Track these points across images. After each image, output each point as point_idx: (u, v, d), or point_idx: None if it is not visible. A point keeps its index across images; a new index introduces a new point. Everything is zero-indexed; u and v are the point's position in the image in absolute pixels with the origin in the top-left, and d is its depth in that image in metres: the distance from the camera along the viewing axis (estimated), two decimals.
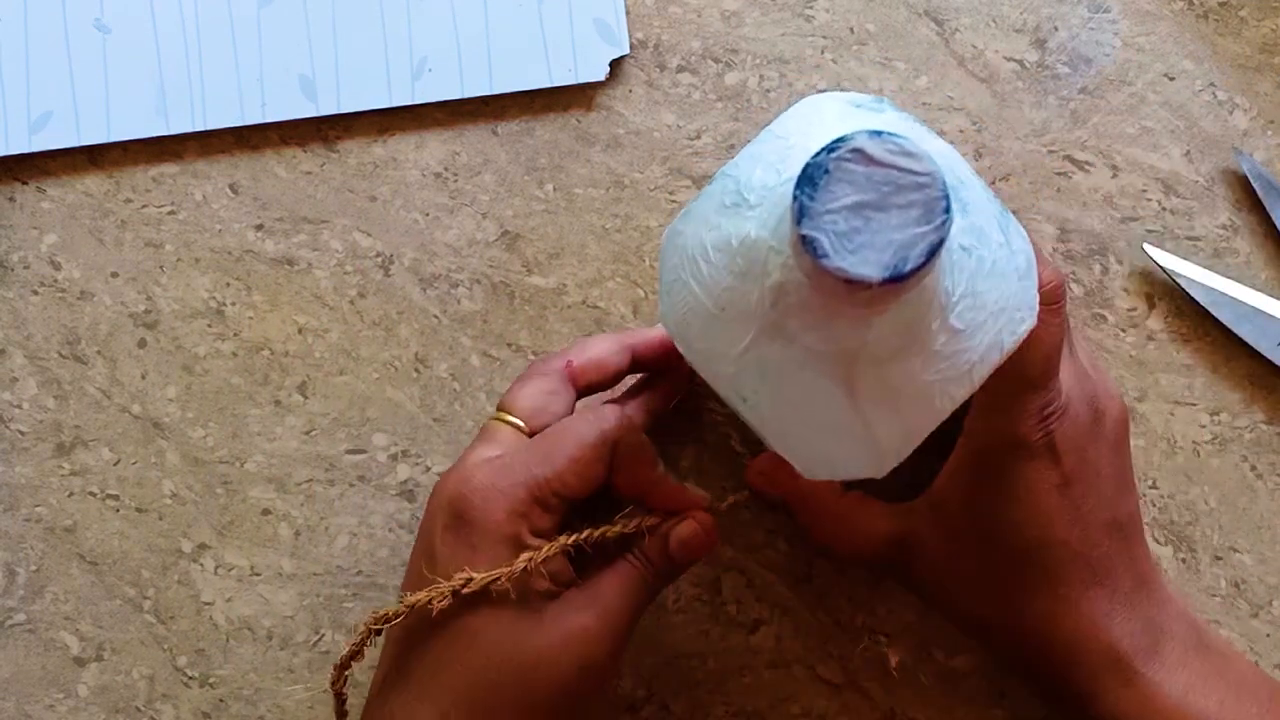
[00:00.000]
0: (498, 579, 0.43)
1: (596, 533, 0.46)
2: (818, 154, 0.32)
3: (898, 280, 0.32)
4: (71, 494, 0.53)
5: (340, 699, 0.48)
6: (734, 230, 0.37)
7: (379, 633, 0.45)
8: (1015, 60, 0.54)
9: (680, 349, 0.40)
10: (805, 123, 0.39)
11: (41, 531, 0.53)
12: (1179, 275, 0.52)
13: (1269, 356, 0.52)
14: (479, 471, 0.45)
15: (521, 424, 0.47)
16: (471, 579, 0.44)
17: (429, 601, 0.44)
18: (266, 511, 0.53)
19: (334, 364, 0.54)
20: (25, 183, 0.55)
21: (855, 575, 0.52)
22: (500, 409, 0.48)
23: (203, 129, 0.54)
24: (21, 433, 0.54)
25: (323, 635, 0.53)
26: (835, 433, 0.39)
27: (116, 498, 0.53)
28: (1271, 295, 0.52)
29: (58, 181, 0.55)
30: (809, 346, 0.36)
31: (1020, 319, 0.38)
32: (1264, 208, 0.52)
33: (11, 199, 0.54)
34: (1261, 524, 0.52)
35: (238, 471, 0.53)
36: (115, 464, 0.53)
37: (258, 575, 0.53)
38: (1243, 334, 0.51)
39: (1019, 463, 0.44)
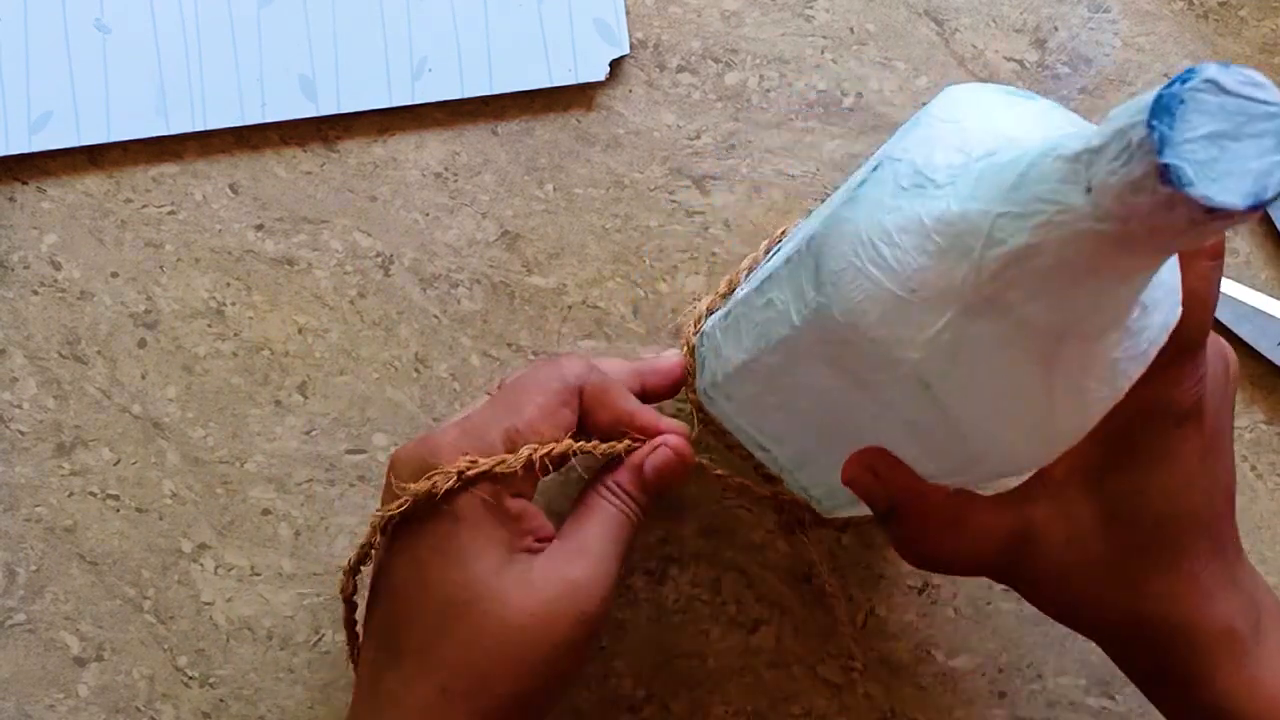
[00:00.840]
0: (503, 462, 0.43)
1: (589, 445, 0.46)
2: (1170, 85, 0.32)
3: (1258, 208, 0.32)
4: (71, 494, 0.53)
5: (351, 606, 0.47)
6: (924, 210, 0.37)
7: (385, 530, 0.45)
8: (1015, 60, 0.54)
9: (843, 341, 0.39)
10: (972, 108, 0.39)
11: (41, 531, 0.53)
12: None
13: (1269, 356, 0.52)
14: (446, 434, 0.45)
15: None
16: (476, 461, 0.43)
17: (433, 487, 0.43)
18: (266, 511, 0.53)
19: (334, 364, 0.54)
20: (25, 183, 0.55)
21: (855, 575, 0.52)
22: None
23: (203, 129, 0.54)
24: (21, 433, 0.54)
25: (323, 635, 0.53)
26: (1017, 419, 0.38)
27: (116, 498, 0.53)
28: (1271, 295, 0.52)
29: (58, 181, 0.55)
30: (1025, 319, 0.36)
31: (1176, 300, 0.38)
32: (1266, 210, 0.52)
33: (11, 199, 0.54)
34: (1261, 524, 0.52)
35: (238, 471, 0.53)
36: (115, 464, 0.53)
37: (258, 575, 0.53)
38: (1243, 334, 0.51)
39: (1166, 431, 0.41)
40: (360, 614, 0.47)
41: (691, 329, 0.50)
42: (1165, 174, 0.32)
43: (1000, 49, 0.54)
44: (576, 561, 0.44)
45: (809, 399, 0.43)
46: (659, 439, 0.47)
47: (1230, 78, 0.32)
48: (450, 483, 0.43)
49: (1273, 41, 0.54)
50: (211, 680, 0.53)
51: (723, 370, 0.46)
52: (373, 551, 0.46)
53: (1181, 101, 0.32)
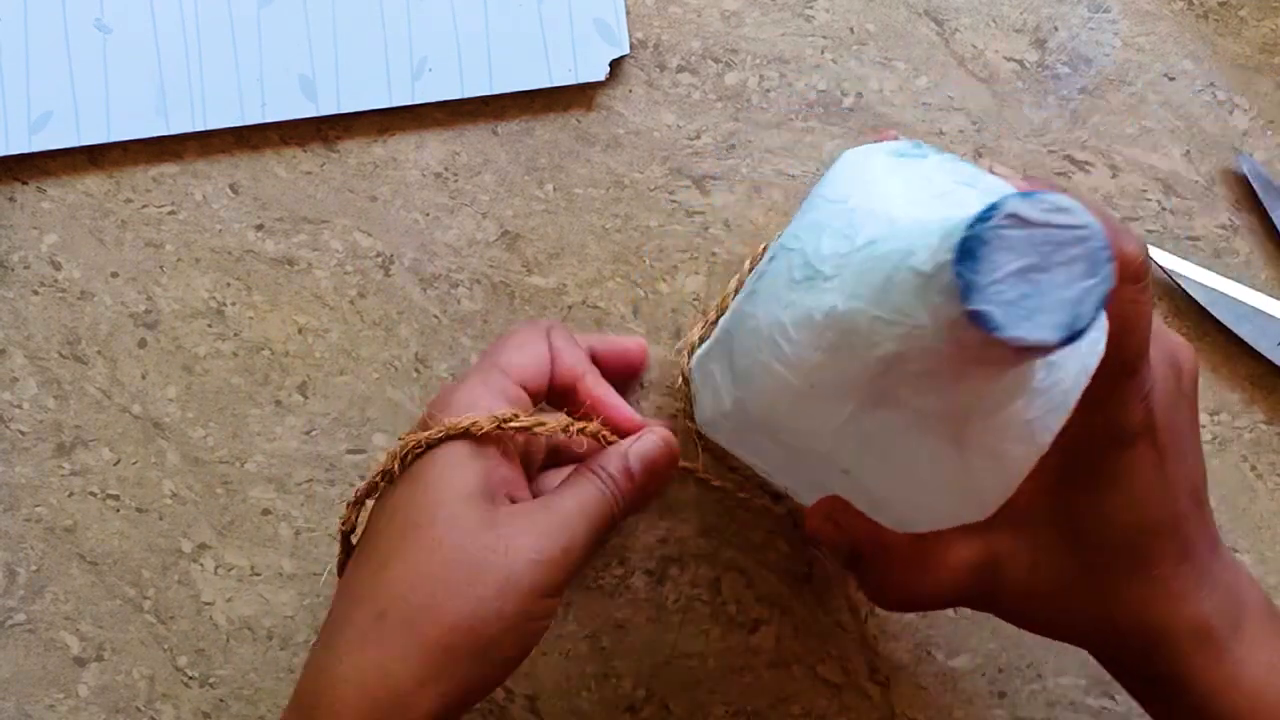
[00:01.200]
0: (475, 421, 0.43)
1: (564, 423, 0.45)
2: (971, 225, 0.31)
3: (1074, 338, 0.32)
4: (72, 494, 0.53)
5: (345, 543, 0.46)
6: (814, 304, 0.37)
7: (406, 460, 0.44)
8: (1015, 60, 0.54)
9: (763, 434, 0.40)
10: (857, 183, 0.39)
11: (42, 531, 0.53)
12: (1179, 275, 0.52)
13: (1269, 356, 0.52)
14: (440, 390, 0.45)
15: None
16: (476, 421, 0.43)
17: (473, 426, 0.43)
18: (266, 511, 0.53)
19: (334, 364, 0.54)
20: (25, 183, 0.55)
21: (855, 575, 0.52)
22: None
23: (203, 129, 0.54)
24: (22, 433, 0.54)
25: None
26: (939, 488, 0.38)
27: (117, 498, 0.53)
28: (1271, 295, 0.52)
29: (58, 181, 0.55)
30: (920, 409, 0.36)
31: (1097, 338, 0.38)
32: (1264, 208, 0.52)
33: (11, 199, 0.54)
34: (1261, 524, 0.52)
35: (238, 471, 0.53)
36: (115, 464, 0.53)
37: (258, 575, 0.53)
38: (1243, 334, 0.51)
39: (1120, 451, 0.41)
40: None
41: (686, 359, 0.50)
42: (974, 318, 0.31)
43: (1000, 49, 0.54)
44: (546, 518, 0.43)
45: (777, 451, 0.43)
46: (646, 427, 0.46)
47: (1033, 209, 0.32)
48: (492, 426, 0.43)
49: (1273, 41, 0.54)
50: (211, 680, 0.53)
51: (716, 408, 0.46)
52: (381, 483, 0.44)
53: (984, 242, 0.32)
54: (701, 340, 0.50)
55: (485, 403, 0.44)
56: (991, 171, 0.40)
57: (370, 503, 0.45)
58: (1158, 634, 0.42)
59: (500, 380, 0.45)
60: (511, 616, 0.41)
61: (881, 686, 0.52)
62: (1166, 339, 0.43)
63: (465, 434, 0.43)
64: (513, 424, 0.43)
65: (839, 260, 0.37)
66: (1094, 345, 0.38)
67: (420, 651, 0.41)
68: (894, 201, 0.37)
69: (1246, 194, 0.53)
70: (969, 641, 0.52)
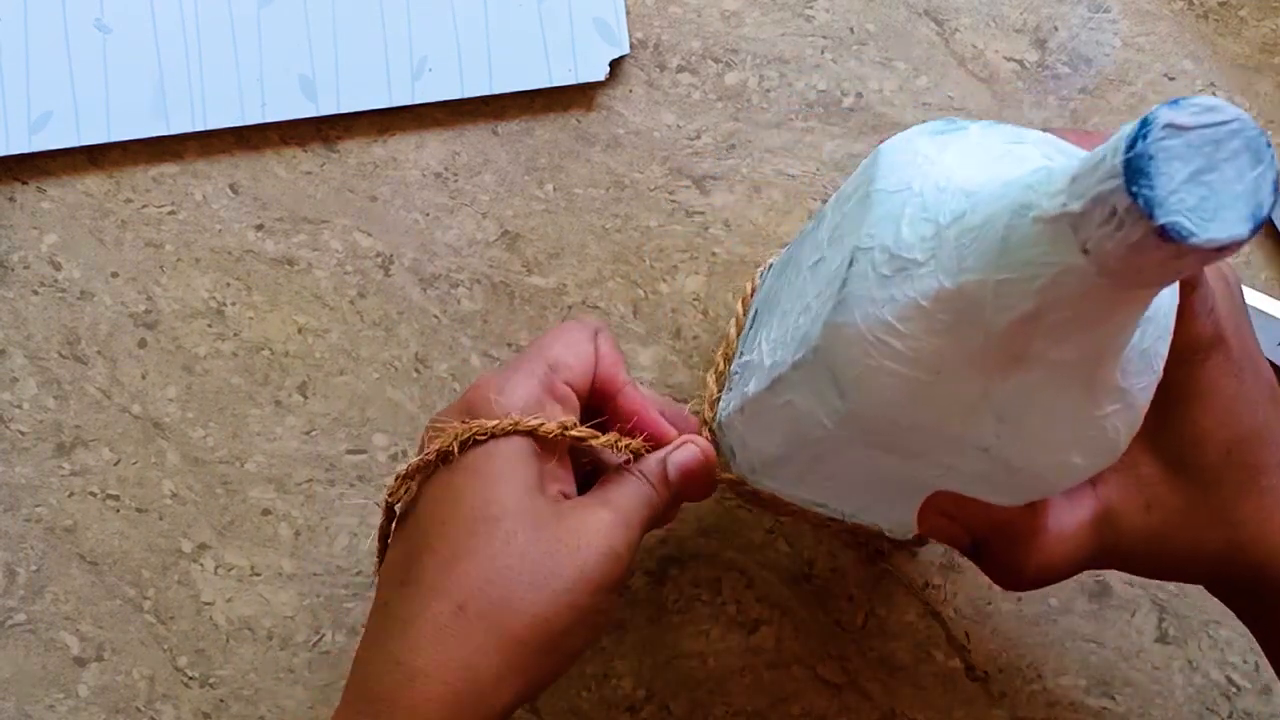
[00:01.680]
0: (543, 424, 0.43)
1: (614, 439, 0.45)
2: (1132, 144, 0.32)
3: (1259, 226, 0.32)
4: (72, 494, 0.53)
5: (390, 514, 0.45)
6: (917, 292, 0.37)
7: (465, 446, 0.43)
8: (1015, 60, 0.54)
9: (886, 432, 0.39)
10: (911, 168, 0.38)
11: (42, 531, 0.53)
12: None
13: (1269, 356, 0.52)
14: (481, 377, 0.44)
15: None
16: (545, 424, 0.43)
17: (540, 428, 0.43)
18: (266, 511, 0.53)
19: (334, 364, 0.54)
20: (25, 183, 0.55)
21: (855, 575, 0.52)
22: None
23: (203, 129, 0.54)
24: (22, 433, 0.54)
25: (323, 635, 0.53)
26: (1078, 440, 0.38)
27: (117, 498, 0.53)
28: (1271, 295, 0.52)
29: (58, 181, 0.55)
30: (1057, 362, 0.36)
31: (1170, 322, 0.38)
32: None
33: (11, 199, 0.54)
34: None
35: (238, 471, 0.53)
36: (115, 464, 0.53)
37: (258, 575, 0.53)
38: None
39: (1197, 367, 0.41)
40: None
41: (707, 413, 0.49)
42: (1164, 232, 0.32)
43: (1000, 49, 0.54)
44: (610, 515, 0.43)
45: (861, 472, 0.43)
46: (685, 437, 0.46)
47: (1184, 114, 0.32)
48: (557, 431, 0.43)
49: (1273, 41, 0.54)
50: (211, 680, 0.53)
51: (759, 459, 0.45)
52: (436, 464, 0.44)
53: (1151, 158, 0.32)
54: (719, 387, 0.49)
55: (537, 397, 0.44)
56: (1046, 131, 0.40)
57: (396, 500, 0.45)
58: None
59: (549, 377, 0.45)
60: (583, 610, 0.42)
61: (881, 686, 0.52)
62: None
63: (529, 433, 0.43)
64: (572, 432, 0.44)
65: (928, 244, 0.37)
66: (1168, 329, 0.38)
67: (500, 646, 0.41)
68: (958, 175, 0.37)
69: None
70: (969, 641, 0.52)
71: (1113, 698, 0.52)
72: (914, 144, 0.39)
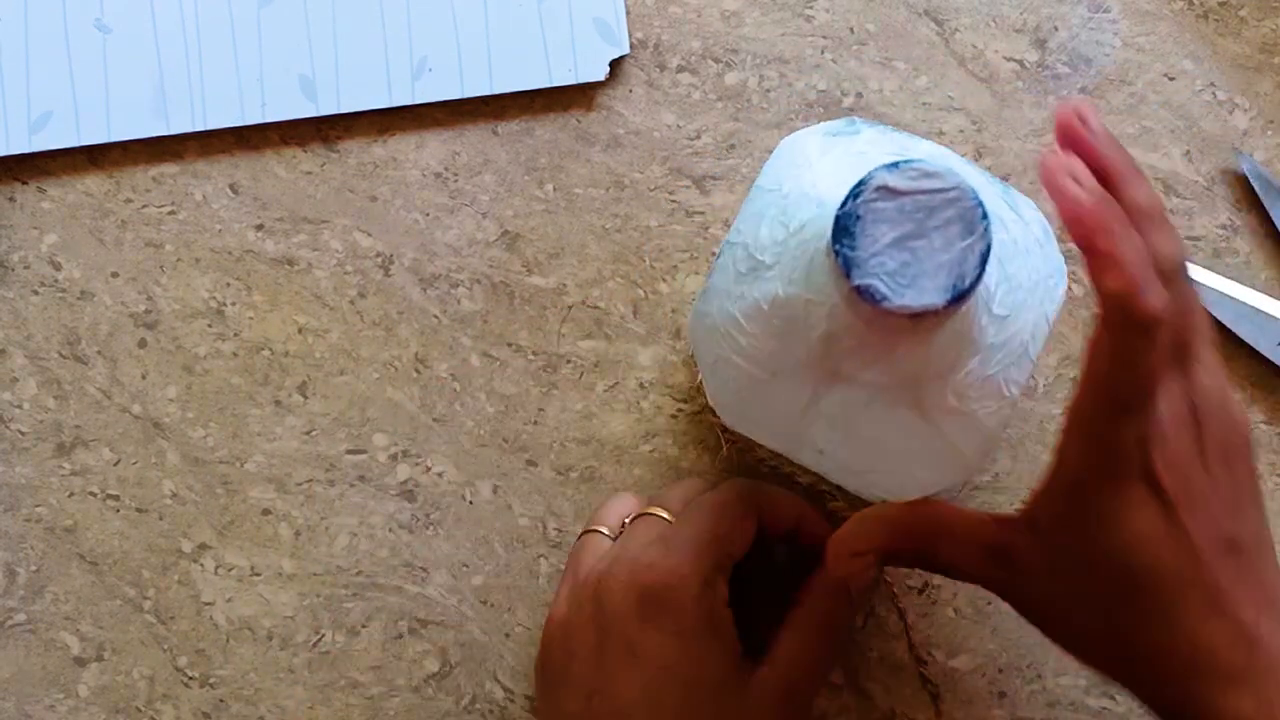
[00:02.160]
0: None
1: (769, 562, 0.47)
2: (844, 203, 0.32)
3: (961, 299, 0.32)
4: (72, 494, 0.53)
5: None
6: (760, 294, 0.37)
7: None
8: (1015, 60, 0.54)
9: (740, 428, 0.40)
10: (790, 167, 0.39)
11: (42, 531, 0.53)
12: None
13: (1269, 356, 0.52)
14: (652, 556, 0.45)
15: (669, 517, 0.47)
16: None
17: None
18: (267, 511, 0.53)
19: (334, 364, 0.54)
20: (25, 183, 0.55)
21: None
22: (650, 507, 0.48)
23: (203, 129, 0.54)
24: (22, 433, 0.54)
25: (323, 635, 0.53)
26: (918, 455, 0.38)
27: (117, 498, 0.53)
28: (1271, 295, 0.52)
29: (58, 181, 0.55)
30: (871, 382, 0.36)
31: (1054, 285, 0.38)
32: (1264, 208, 0.52)
33: (11, 199, 0.54)
34: None
35: (238, 471, 0.53)
36: (115, 464, 0.53)
37: (258, 575, 0.53)
38: (1243, 334, 0.51)
39: (1116, 492, 0.40)
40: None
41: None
42: (861, 292, 0.32)
43: (1000, 49, 0.54)
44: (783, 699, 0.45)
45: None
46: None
47: (900, 178, 0.32)
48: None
49: (1273, 41, 0.54)
50: (211, 680, 0.53)
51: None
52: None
53: (858, 217, 0.32)
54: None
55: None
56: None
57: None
58: (1180, 679, 0.40)
59: (727, 565, 0.46)
60: None
61: (881, 686, 0.52)
62: (1204, 391, 0.41)
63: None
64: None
65: (777, 248, 0.37)
66: (1051, 293, 0.38)
67: None
68: (824, 182, 0.37)
69: (1246, 194, 0.53)
70: (969, 641, 0.52)
71: (1113, 698, 0.52)
72: (804, 143, 0.40)
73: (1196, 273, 0.52)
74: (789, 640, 0.46)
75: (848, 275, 0.32)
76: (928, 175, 0.32)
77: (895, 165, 0.32)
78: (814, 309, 0.35)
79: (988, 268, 0.35)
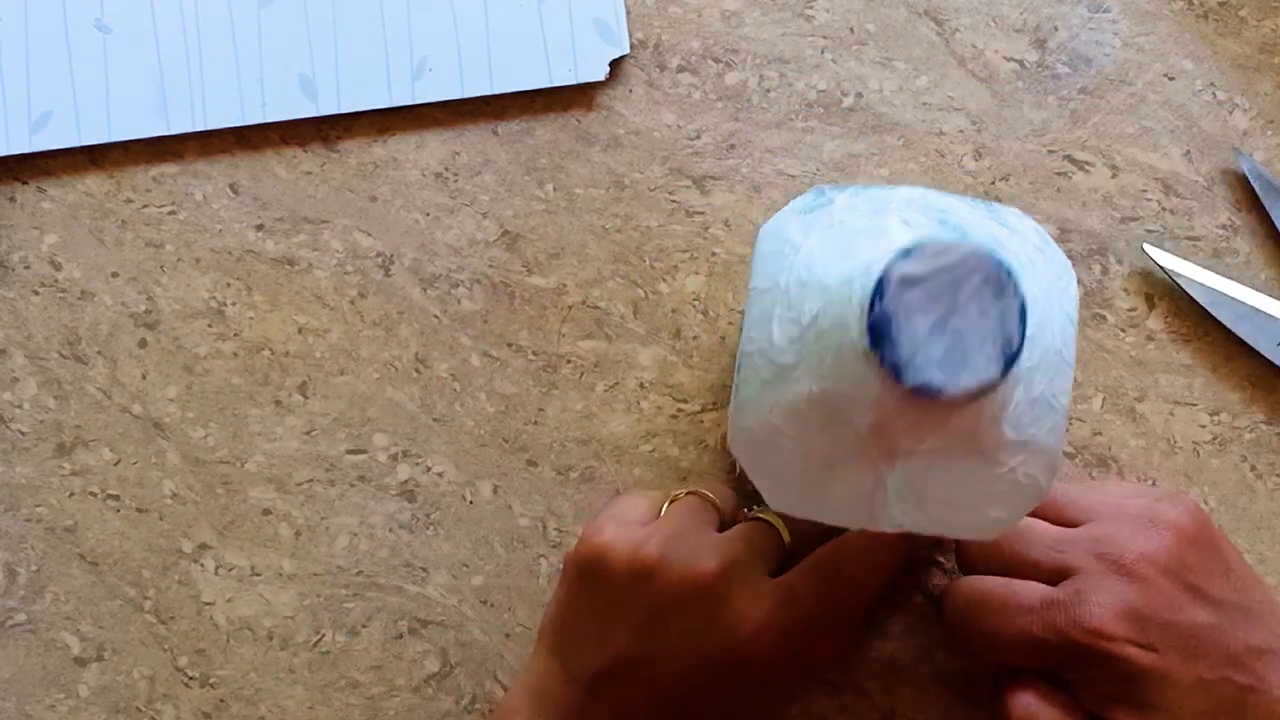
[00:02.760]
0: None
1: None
2: (871, 306, 0.31)
3: (1013, 361, 0.32)
4: (72, 494, 0.53)
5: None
6: (793, 396, 0.37)
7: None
8: (1015, 60, 0.54)
9: (810, 517, 0.40)
10: (779, 259, 0.38)
11: (42, 531, 0.53)
12: (1179, 275, 0.52)
13: (1269, 356, 0.52)
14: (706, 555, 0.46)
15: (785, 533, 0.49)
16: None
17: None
18: (267, 511, 0.53)
19: (334, 364, 0.54)
20: (25, 183, 0.55)
21: None
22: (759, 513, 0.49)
23: (203, 129, 0.54)
24: (22, 433, 0.54)
25: (323, 635, 0.53)
26: (992, 497, 0.38)
27: (117, 498, 0.53)
28: (1271, 295, 0.52)
29: (58, 181, 0.55)
30: (931, 450, 0.36)
31: (1065, 285, 0.38)
32: (1264, 207, 0.52)
33: (11, 199, 0.54)
34: (1261, 524, 0.52)
35: (238, 471, 0.53)
36: (116, 464, 0.53)
37: (258, 575, 0.53)
38: (1243, 334, 0.51)
39: (1078, 691, 0.44)
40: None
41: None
42: (918, 391, 0.31)
43: (1000, 49, 0.54)
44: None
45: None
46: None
47: (918, 264, 0.32)
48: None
49: (1273, 41, 0.54)
50: (211, 680, 0.53)
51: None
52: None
53: (890, 319, 0.32)
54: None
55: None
56: None
57: None
58: None
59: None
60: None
61: (882, 686, 0.52)
62: (1103, 530, 0.44)
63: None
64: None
65: (795, 346, 0.37)
66: (1065, 293, 0.37)
67: None
68: (819, 263, 0.37)
69: (1246, 194, 0.53)
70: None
71: None
72: (783, 231, 0.39)
73: (1197, 272, 0.52)
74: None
75: (899, 379, 0.31)
76: (939, 253, 0.32)
77: (908, 252, 0.32)
78: (856, 401, 0.35)
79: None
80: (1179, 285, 0.52)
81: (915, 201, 0.38)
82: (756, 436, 0.38)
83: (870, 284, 0.32)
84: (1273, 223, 0.52)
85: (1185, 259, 0.52)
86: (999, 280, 0.32)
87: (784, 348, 0.37)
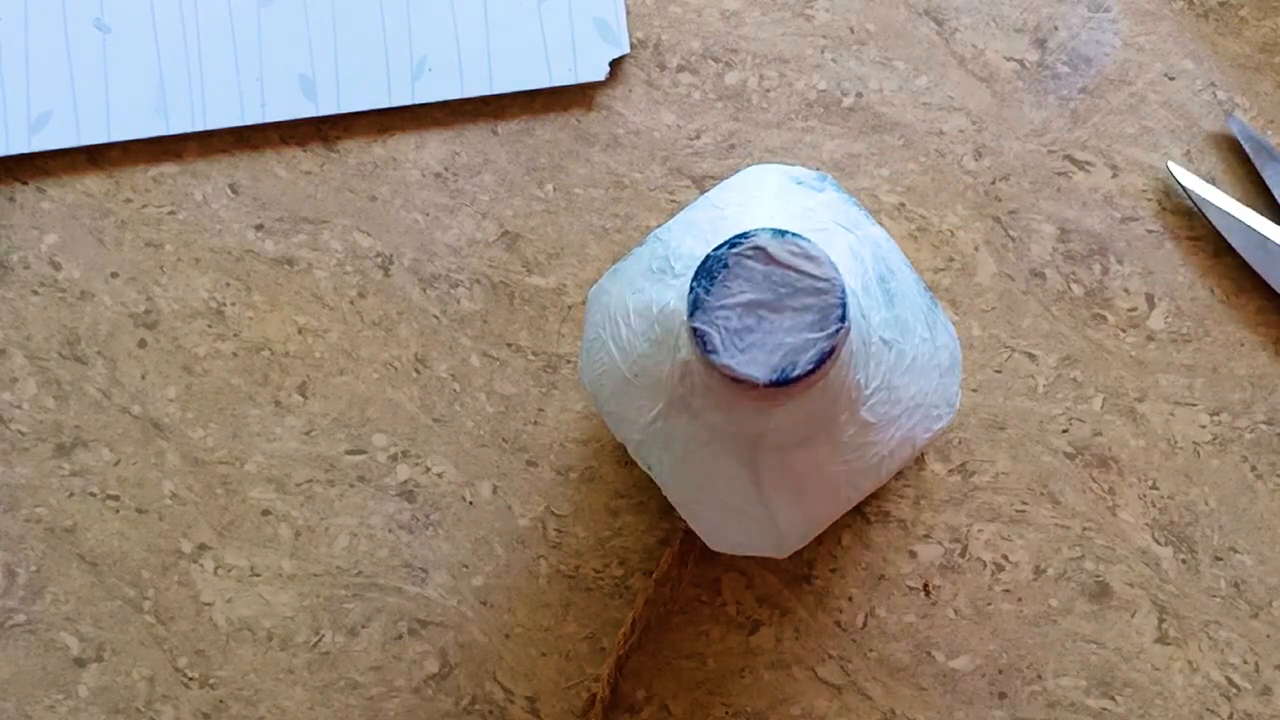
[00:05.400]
0: None
1: None
2: (719, 247, 0.32)
3: (784, 384, 0.31)
4: (71, 494, 0.53)
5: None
6: (656, 297, 0.37)
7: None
8: (1015, 60, 0.54)
9: (596, 406, 0.40)
10: (744, 194, 0.39)
11: (41, 532, 0.53)
12: (1199, 197, 0.51)
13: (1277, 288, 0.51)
14: None
15: None
16: None
17: None
18: (266, 512, 0.53)
19: (334, 364, 0.54)
20: (25, 183, 0.55)
21: (855, 576, 0.52)
22: None
23: (203, 129, 0.54)
24: (21, 433, 0.54)
25: (323, 636, 0.53)
26: (738, 512, 0.38)
27: (116, 498, 0.53)
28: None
29: (58, 181, 0.55)
30: (714, 425, 0.36)
31: (937, 415, 0.38)
32: (1255, 168, 0.52)
33: (11, 199, 0.55)
34: (1261, 524, 0.52)
35: (238, 472, 0.53)
36: (115, 464, 0.53)
37: (258, 576, 0.53)
38: (1255, 264, 0.51)
39: None
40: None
41: None
42: (695, 335, 0.32)
43: (1000, 49, 0.54)
44: None
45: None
46: None
47: (781, 248, 0.32)
48: None
49: (1273, 41, 0.54)
50: (211, 681, 0.53)
51: None
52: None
53: (725, 265, 0.32)
54: None
55: None
56: None
57: None
58: None
59: None
60: None
61: (882, 687, 0.52)
62: None
63: None
64: None
65: (690, 262, 0.37)
66: (930, 420, 0.37)
67: None
68: (761, 222, 0.37)
69: (1240, 159, 0.53)
70: (969, 642, 0.52)
71: (1113, 698, 0.52)
72: (767, 178, 0.40)
73: (1217, 196, 0.52)
74: None
75: (690, 314, 0.32)
76: (808, 257, 0.32)
77: (783, 233, 0.32)
78: (685, 335, 0.35)
79: (864, 368, 0.35)
80: (1198, 208, 0.51)
81: (882, 244, 0.38)
82: (608, 306, 0.39)
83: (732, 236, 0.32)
84: (1264, 184, 0.52)
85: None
86: (831, 317, 0.32)
87: (682, 256, 0.37)
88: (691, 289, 0.32)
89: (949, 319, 0.39)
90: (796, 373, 0.31)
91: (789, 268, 0.32)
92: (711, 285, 0.32)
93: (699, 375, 0.35)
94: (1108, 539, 0.52)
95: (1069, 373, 0.52)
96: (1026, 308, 0.53)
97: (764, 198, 0.38)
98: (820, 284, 0.32)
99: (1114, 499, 0.52)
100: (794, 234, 0.32)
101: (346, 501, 0.53)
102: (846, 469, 0.37)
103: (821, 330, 0.32)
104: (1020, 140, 0.54)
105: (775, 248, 0.32)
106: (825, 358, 0.32)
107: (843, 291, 0.32)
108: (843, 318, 0.32)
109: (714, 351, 0.31)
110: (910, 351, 0.37)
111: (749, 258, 0.32)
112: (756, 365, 0.32)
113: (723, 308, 0.32)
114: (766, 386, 0.31)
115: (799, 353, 0.31)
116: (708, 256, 0.32)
